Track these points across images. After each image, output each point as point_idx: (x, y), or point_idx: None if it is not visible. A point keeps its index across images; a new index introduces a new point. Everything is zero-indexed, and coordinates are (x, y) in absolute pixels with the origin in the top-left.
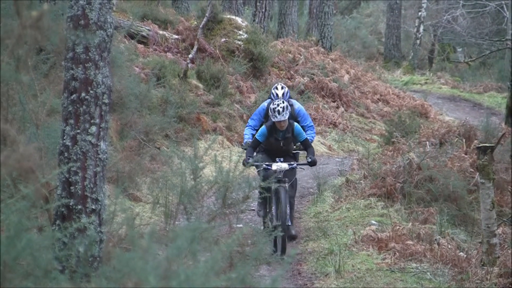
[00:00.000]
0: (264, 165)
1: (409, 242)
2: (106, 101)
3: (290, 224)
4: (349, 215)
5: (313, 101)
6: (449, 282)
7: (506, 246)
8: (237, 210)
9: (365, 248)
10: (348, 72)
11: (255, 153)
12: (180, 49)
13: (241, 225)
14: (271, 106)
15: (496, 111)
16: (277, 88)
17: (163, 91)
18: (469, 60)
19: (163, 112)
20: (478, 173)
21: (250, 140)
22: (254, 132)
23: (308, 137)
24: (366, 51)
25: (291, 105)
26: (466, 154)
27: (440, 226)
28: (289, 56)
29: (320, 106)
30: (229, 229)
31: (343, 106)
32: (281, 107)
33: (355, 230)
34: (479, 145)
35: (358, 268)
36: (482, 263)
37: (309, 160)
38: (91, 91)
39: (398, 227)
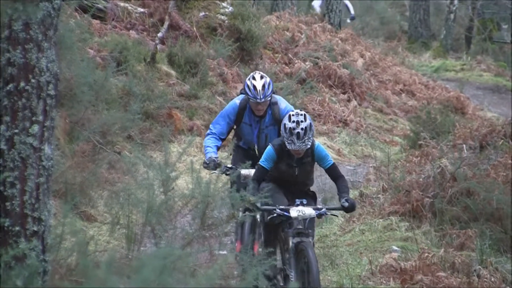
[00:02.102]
0: (277, 210)
1: (441, 274)
2: (52, 92)
3: None
4: (364, 239)
5: (318, 93)
6: None
7: None
8: (220, 233)
9: (384, 282)
10: (362, 56)
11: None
12: (146, 26)
13: (224, 252)
14: (288, 124)
15: None
16: (254, 79)
17: (125, 80)
18: None
19: (124, 107)
20: None
21: (215, 156)
22: (219, 143)
23: None
24: (386, 29)
25: (275, 104)
26: None
27: (481, 253)
28: (286, 35)
29: (327, 99)
30: (209, 257)
31: (356, 99)
32: (302, 128)
33: (372, 258)
34: None
35: None
36: None
37: (345, 204)
38: (33, 80)
39: (426, 254)
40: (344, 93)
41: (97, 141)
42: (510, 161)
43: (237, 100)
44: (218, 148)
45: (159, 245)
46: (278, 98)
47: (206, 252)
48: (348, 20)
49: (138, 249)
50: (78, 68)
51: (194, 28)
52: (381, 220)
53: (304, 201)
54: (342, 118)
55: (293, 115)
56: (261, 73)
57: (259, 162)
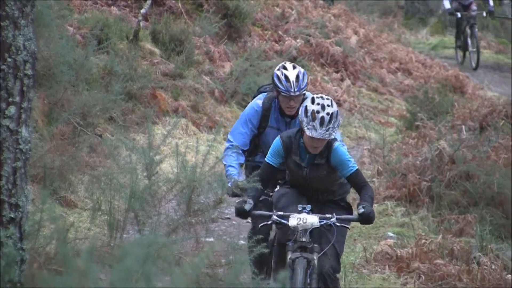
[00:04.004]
0: (274, 217)
1: (439, 261)
2: (29, 72)
3: None
4: (358, 225)
5: (309, 72)
6: None
7: None
8: (206, 219)
9: (379, 270)
10: (356, 33)
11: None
12: (129, 2)
13: (211, 239)
14: (310, 106)
15: None
16: (285, 68)
17: (107, 59)
18: None
19: (106, 87)
20: None
21: (236, 175)
22: (242, 159)
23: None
24: (381, 4)
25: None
26: None
27: (481, 239)
28: (276, 10)
29: (319, 78)
30: (195, 245)
31: (349, 78)
32: (328, 113)
33: (366, 245)
34: None
35: None
36: None
37: (361, 211)
38: (9, 59)
39: (424, 241)
40: (337, 72)
41: (77, 123)
42: (511, 143)
43: (258, 101)
44: (241, 165)
45: (143, 232)
46: (309, 94)
47: (192, 239)
48: None
49: (120, 237)
50: (57, 46)
51: (179, 4)
52: (376, 205)
53: (308, 208)
54: (335, 98)
55: (317, 97)
56: (292, 63)
57: (265, 159)
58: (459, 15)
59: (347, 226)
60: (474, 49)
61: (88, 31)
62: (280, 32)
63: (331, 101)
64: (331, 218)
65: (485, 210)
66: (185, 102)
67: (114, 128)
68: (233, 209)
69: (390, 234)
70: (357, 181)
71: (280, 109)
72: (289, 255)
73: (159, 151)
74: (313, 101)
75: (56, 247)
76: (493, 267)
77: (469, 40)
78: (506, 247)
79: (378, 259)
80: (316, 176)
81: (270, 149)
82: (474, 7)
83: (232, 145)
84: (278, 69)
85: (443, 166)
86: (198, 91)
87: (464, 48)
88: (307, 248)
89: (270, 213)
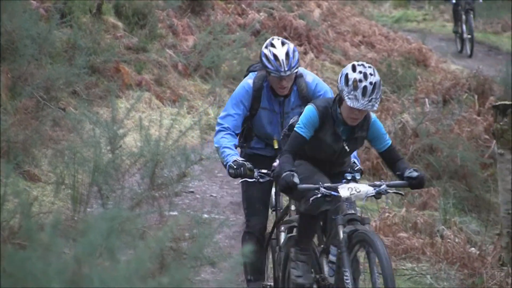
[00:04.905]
0: (322, 189)
1: (403, 234)
2: None
3: None
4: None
5: None
6: (456, 287)
7: None
8: (170, 193)
9: None
10: (319, 6)
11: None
12: None
13: (175, 213)
14: (351, 74)
15: None
16: (273, 46)
17: (70, 33)
18: None
19: (69, 61)
20: (495, 141)
21: (242, 159)
22: (236, 141)
23: None
24: None
25: (300, 77)
26: (479, 115)
27: (444, 212)
28: None
29: None
30: (159, 218)
31: (312, 52)
32: (371, 82)
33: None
34: (497, 103)
35: None
36: (500, 262)
37: (413, 174)
38: None
39: (387, 214)
40: (300, 45)
41: (40, 97)
42: (475, 116)
43: (249, 80)
44: (236, 147)
45: (106, 206)
46: (302, 70)
47: (155, 213)
48: None
49: (84, 211)
50: (20, 20)
51: None
52: None
53: (358, 176)
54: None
55: (359, 65)
56: (281, 38)
57: (295, 128)
58: (454, 0)
59: (400, 192)
60: (470, 36)
61: (51, 4)
62: (243, 6)
63: (374, 69)
64: (382, 185)
65: (449, 183)
66: (149, 76)
67: (78, 102)
68: (196, 183)
69: None
70: (392, 155)
71: (273, 89)
72: (341, 230)
73: (123, 125)
74: (354, 69)
75: (20, 221)
76: (456, 240)
77: (464, 27)
78: (469, 220)
79: None
80: (353, 150)
81: (302, 119)
82: None
83: (223, 127)
84: (266, 47)
85: (406, 139)
86: (162, 64)
87: (460, 35)
88: (357, 220)
89: (317, 185)
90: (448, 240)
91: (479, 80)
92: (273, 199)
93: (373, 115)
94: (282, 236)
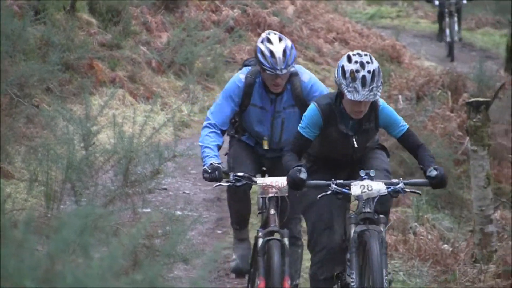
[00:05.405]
0: (333, 186)
1: None
2: None
3: None
4: None
5: (246, 42)
6: (429, 284)
7: (505, 236)
8: (144, 190)
9: None
10: (293, 3)
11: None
12: None
13: (148, 210)
14: (347, 66)
15: (492, 53)
16: (269, 41)
17: (44, 29)
18: None
19: (43, 58)
20: (468, 138)
21: (217, 162)
22: (221, 140)
23: None
24: None
25: (295, 75)
26: (452, 112)
27: (417, 209)
28: None
29: None
30: (132, 215)
31: None
32: (369, 71)
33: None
34: (470, 100)
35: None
36: (473, 259)
37: (433, 173)
38: None
39: None
40: None
41: (14, 93)
42: (448, 113)
43: (241, 75)
44: (219, 148)
45: (80, 203)
46: (298, 67)
47: (129, 210)
48: None
49: (57, 208)
50: None
51: None
52: None
53: (372, 173)
54: None
55: (354, 55)
56: (278, 33)
57: (298, 128)
58: (436, 2)
59: (417, 192)
60: (450, 40)
61: (25, 1)
62: (217, 2)
63: (370, 56)
64: (398, 183)
65: None
66: (122, 73)
67: (51, 99)
68: (170, 180)
69: None
70: (410, 141)
71: (265, 85)
72: (352, 229)
73: (96, 122)
74: (349, 60)
75: None
76: (429, 237)
77: (447, 30)
78: (442, 216)
79: None
80: (365, 142)
81: (305, 119)
82: None
83: (210, 123)
84: (262, 42)
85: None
86: (135, 61)
87: (441, 36)
88: (372, 219)
89: (328, 182)
90: (421, 237)
91: (452, 77)
92: (259, 202)
93: (380, 101)
94: (260, 242)
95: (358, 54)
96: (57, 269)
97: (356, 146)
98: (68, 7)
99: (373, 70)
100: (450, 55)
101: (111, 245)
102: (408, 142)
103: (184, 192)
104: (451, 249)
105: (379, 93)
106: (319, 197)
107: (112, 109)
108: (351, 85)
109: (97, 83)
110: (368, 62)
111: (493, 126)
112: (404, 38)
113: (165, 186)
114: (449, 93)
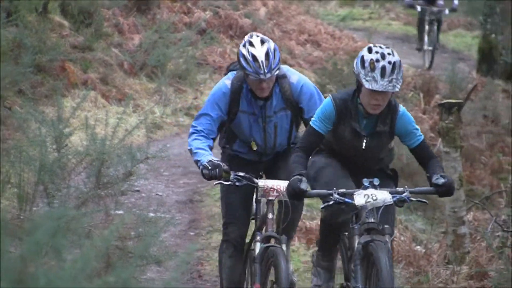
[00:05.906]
0: (335, 195)
1: None
2: None
3: None
4: None
5: (218, 44)
6: (402, 286)
7: (478, 238)
8: (116, 192)
9: None
10: (265, 4)
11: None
12: None
13: (121, 212)
14: (367, 56)
15: (464, 55)
16: (251, 45)
17: (16, 31)
18: None
19: (15, 60)
20: (440, 139)
21: (216, 158)
22: (211, 142)
23: None
24: None
25: (283, 77)
26: (424, 113)
27: None
28: None
29: (228, 50)
30: (105, 217)
31: None
32: (390, 62)
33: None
34: (443, 102)
35: None
36: (446, 261)
37: (439, 181)
38: None
39: None
40: None
41: None
42: (420, 114)
43: (226, 81)
44: (211, 149)
45: (52, 205)
46: (286, 69)
47: (101, 212)
48: None
49: (30, 209)
50: None
51: None
52: None
53: (376, 181)
54: None
55: (375, 46)
56: (261, 35)
57: (310, 122)
58: (419, 8)
59: (423, 200)
60: (431, 48)
61: None
62: (189, 4)
63: (392, 50)
64: (404, 192)
65: None
66: (94, 75)
67: (23, 101)
68: (142, 181)
69: None
70: (424, 152)
71: (252, 91)
72: (356, 240)
73: (69, 123)
74: (370, 50)
75: None
76: (402, 238)
77: (426, 38)
78: (415, 218)
79: None
80: (375, 146)
81: (318, 112)
82: (440, 2)
83: (196, 129)
84: (244, 45)
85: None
86: (107, 63)
87: (420, 45)
88: (377, 230)
89: (330, 191)
90: (394, 238)
91: (424, 78)
92: (254, 206)
93: (401, 107)
94: (258, 246)
95: (380, 46)
96: (30, 271)
97: (363, 148)
98: (40, 9)
99: (394, 62)
100: (430, 63)
101: (83, 247)
102: (421, 153)
103: (156, 194)
104: (424, 250)
105: (398, 86)
106: (321, 208)
107: (85, 111)
108: (370, 74)
109: (69, 85)
110: (389, 54)
111: (466, 127)
112: (377, 40)
113: (137, 188)
114: (421, 94)
